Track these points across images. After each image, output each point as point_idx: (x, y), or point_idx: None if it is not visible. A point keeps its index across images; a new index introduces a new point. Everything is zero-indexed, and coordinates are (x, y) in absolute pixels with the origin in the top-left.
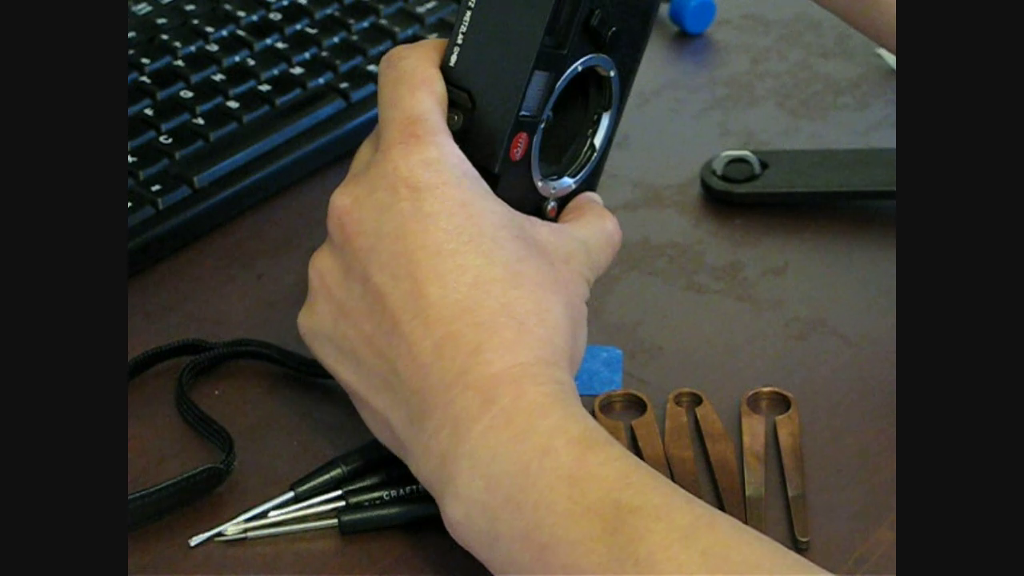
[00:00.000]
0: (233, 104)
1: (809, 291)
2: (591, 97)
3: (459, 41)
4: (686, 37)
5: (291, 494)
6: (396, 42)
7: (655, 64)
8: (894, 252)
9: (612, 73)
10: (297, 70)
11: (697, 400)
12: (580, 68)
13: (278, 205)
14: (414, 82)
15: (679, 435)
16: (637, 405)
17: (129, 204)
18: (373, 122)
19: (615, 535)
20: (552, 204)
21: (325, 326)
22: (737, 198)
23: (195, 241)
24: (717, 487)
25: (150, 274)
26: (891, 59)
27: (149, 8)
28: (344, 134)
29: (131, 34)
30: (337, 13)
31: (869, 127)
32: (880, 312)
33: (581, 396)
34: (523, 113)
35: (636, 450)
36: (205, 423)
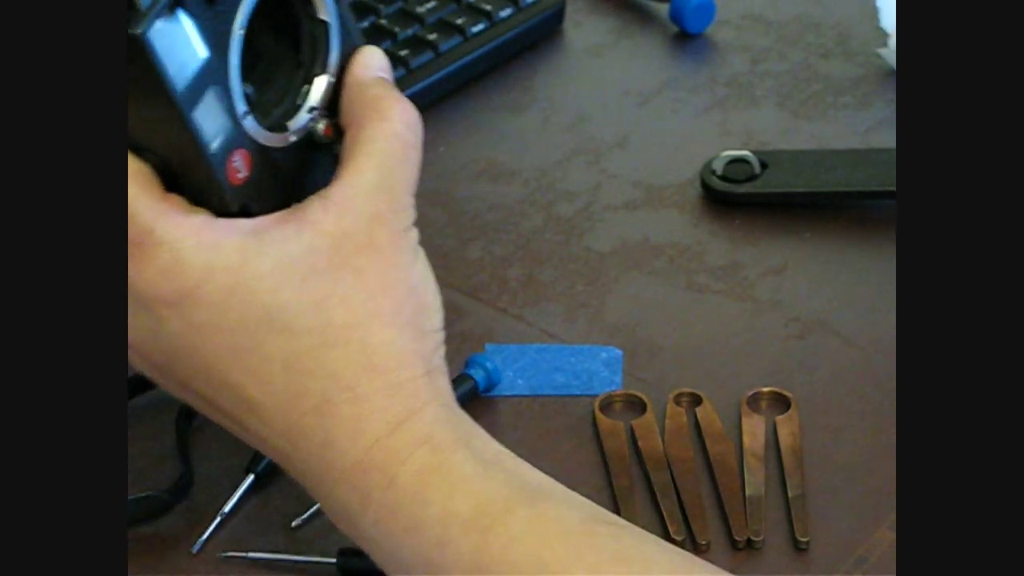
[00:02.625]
0: None
1: (809, 291)
2: None
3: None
4: (686, 37)
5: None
6: (396, 42)
7: (655, 64)
8: (894, 252)
9: None
10: None
11: (697, 400)
12: (241, 31)
13: None
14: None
15: (679, 435)
16: (637, 405)
17: None
18: None
19: None
20: (321, 124)
21: (203, 414)
22: (737, 198)
23: None
24: (717, 487)
25: None
26: (891, 59)
27: None
28: None
29: None
30: None
31: (869, 127)
32: (880, 312)
33: (581, 396)
34: (215, 147)
35: (636, 450)
36: (183, 453)
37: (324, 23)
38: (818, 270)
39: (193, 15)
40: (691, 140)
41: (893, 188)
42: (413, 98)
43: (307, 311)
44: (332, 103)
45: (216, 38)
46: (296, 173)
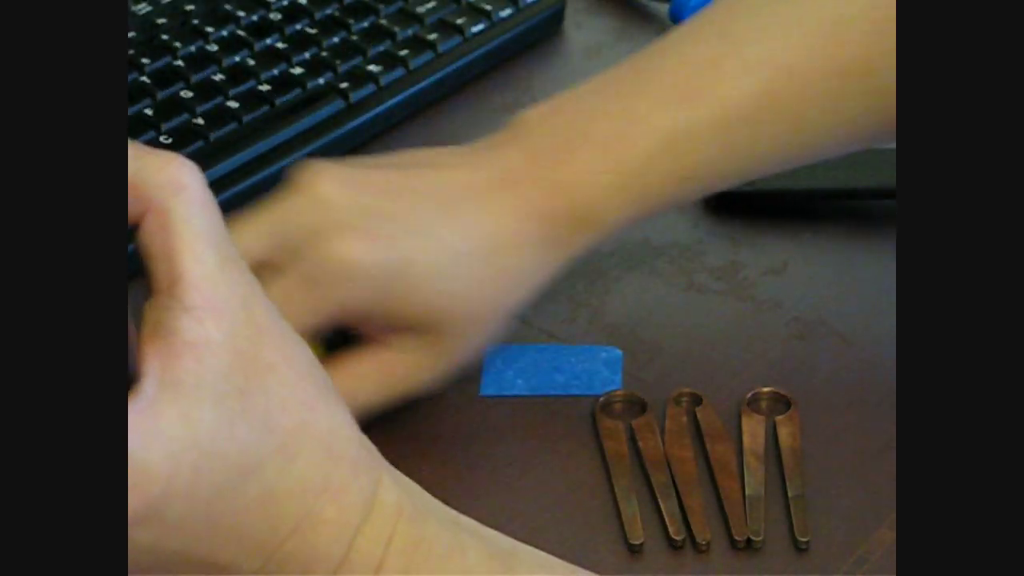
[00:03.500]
0: (233, 104)
1: (809, 291)
2: None
3: None
4: None
5: None
6: (396, 42)
7: None
8: (894, 252)
9: None
10: (297, 70)
11: (697, 400)
12: None
13: None
14: None
15: (679, 435)
16: (637, 405)
17: None
18: (373, 122)
19: None
20: None
21: None
22: (737, 198)
23: None
24: (717, 487)
25: None
26: None
27: (149, 8)
28: (344, 134)
29: (131, 34)
30: (337, 13)
31: None
32: (880, 312)
33: (581, 396)
34: None
35: (636, 450)
36: None
37: None
38: (818, 270)
39: None
40: None
41: (893, 188)
42: (413, 98)
43: (262, 436)
44: None
45: None
46: None
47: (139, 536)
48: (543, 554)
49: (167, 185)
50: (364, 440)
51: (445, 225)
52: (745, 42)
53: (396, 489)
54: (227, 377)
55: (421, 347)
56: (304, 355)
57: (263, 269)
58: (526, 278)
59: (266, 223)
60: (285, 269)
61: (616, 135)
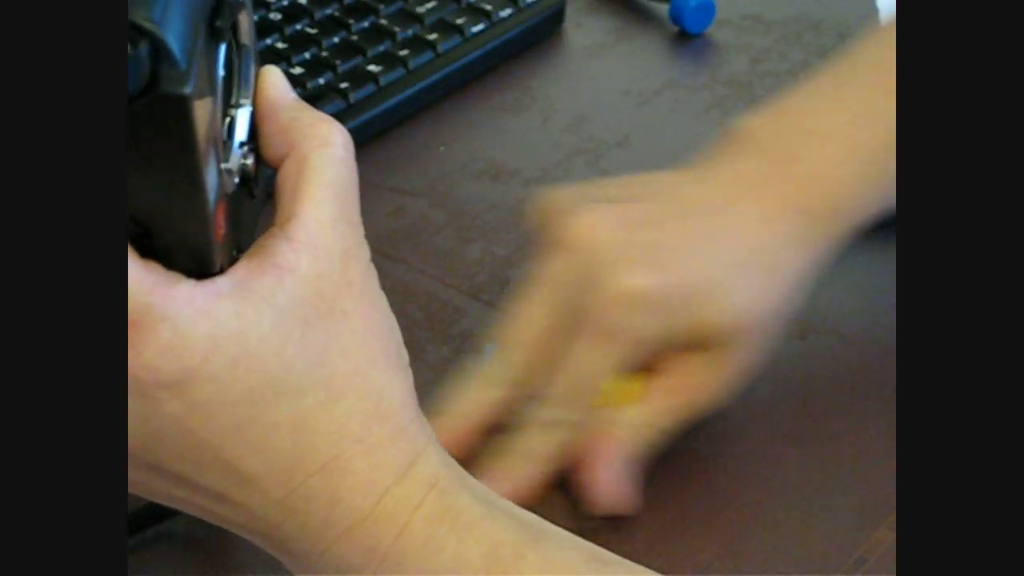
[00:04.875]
0: None
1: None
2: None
3: None
4: (686, 37)
5: None
6: (396, 42)
7: (655, 64)
8: (894, 252)
9: None
10: (297, 70)
11: None
12: (222, 72)
13: None
14: None
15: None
16: None
17: None
18: (373, 122)
19: None
20: (250, 160)
21: (157, 499)
22: None
23: None
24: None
25: None
26: None
27: None
28: None
29: None
30: (337, 13)
31: None
32: (880, 312)
33: None
34: (212, 205)
35: None
36: None
37: (244, 47)
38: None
39: (207, 63)
40: (691, 140)
41: None
42: (413, 98)
43: (311, 367)
44: (251, 133)
45: (212, 82)
46: (236, 219)
47: (167, 405)
48: (571, 535)
49: (314, 138)
50: (419, 415)
51: (712, 242)
52: None
53: (436, 463)
54: (298, 305)
55: (710, 366)
56: (384, 324)
57: (556, 336)
58: (798, 279)
59: (546, 294)
60: (578, 331)
61: (853, 127)
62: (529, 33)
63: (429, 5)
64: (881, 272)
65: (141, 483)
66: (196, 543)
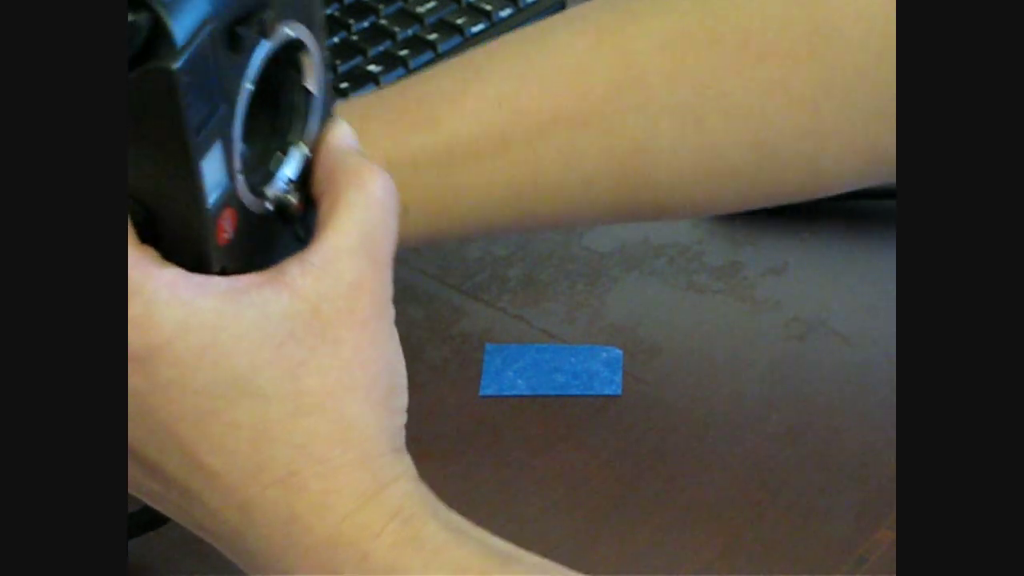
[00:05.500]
0: None
1: (809, 291)
2: (281, 57)
3: None
4: None
5: None
6: (396, 42)
7: None
8: (894, 252)
9: (291, 32)
10: None
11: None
12: (251, 86)
13: None
14: None
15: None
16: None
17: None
18: None
19: None
20: (294, 197)
21: (139, 492)
22: None
23: None
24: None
25: None
26: None
27: None
28: None
29: None
30: (337, 13)
31: None
32: (880, 312)
33: (581, 396)
34: (212, 201)
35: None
36: None
37: (309, 92)
38: (818, 270)
39: (219, 62)
40: None
41: (893, 188)
42: None
43: (281, 377)
44: (303, 176)
45: (229, 90)
46: (263, 244)
47: (132, 378)
48: (544, 561)
49: (355, 177)
50: (395, 450)
51: None
52: (490, 80)
53: (403, 495)
54: (288, 318)
55: None
56: (380, 361)
57: None
58: None
59: None
60: None
61: None
62: None
63: (429, 5)
64: (881, 272)
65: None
66: (196, 543)
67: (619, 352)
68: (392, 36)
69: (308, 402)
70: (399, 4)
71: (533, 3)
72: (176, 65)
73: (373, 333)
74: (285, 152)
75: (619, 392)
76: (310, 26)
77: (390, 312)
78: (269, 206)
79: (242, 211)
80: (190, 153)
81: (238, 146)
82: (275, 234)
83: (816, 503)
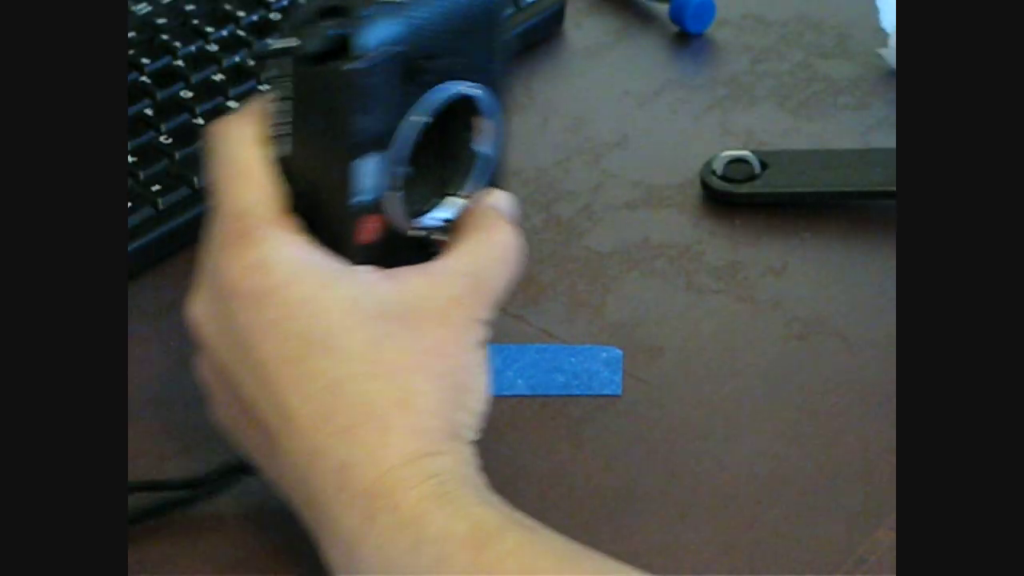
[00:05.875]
0: (233, 104)
1: (809, 291)
2: (459, 112)
3: (279, 132)
4: (686, 37)
5: None
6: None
7: (655, 64)
8: (894, 252)
9: (470, 91)
10: None
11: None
12: (426, 119)
13: None
14: (233, 171)
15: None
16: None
17: (129, 204)
18: None
19: None
20: (440, 236)
21: (225, 421)
22: (737, 198)
23: (195, 241)
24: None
25: (150, 274)
26: (891, 59)
27: (149, 8)
28: None
29: (131, 34)
30: None
31: (869, 127)
32: (880, 312)
33: (581, 396)
34: (358, 200)
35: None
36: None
37: (476, 154)
38: (818, 270)
39: (393, 85)
40: (691, 140)
41: (893, 188)
42: None
43: (364, 342)
44: (454, 222)
45: (398, 114)
46: (396, 259)
47: (240, 315)
48: (533, 537)
49: (488, 227)
50: (455, 437)
51: None
52: None
53: (448, 469)
54: (384, 301)
55: None
56: (458, 361)
57: None
58: None
59: None
60: None
61: None
62: (529, 33)
63: None
64: (881, 272)
65: (219, 400)
66: (196, 543)
67: (619, 352)
68: None
69: (381, 369)
70: None
71: (533, 3)
72: (350, 67)
73: (458, 339)
74: (449, 197)
75: (619, 392)
76: (494, 96)
77: (482, 334)
78: (417, 233)
79: (388, 225)
80: (345, 150)
81: (398, 168)
82: (410, 255)
83: (816, 503)
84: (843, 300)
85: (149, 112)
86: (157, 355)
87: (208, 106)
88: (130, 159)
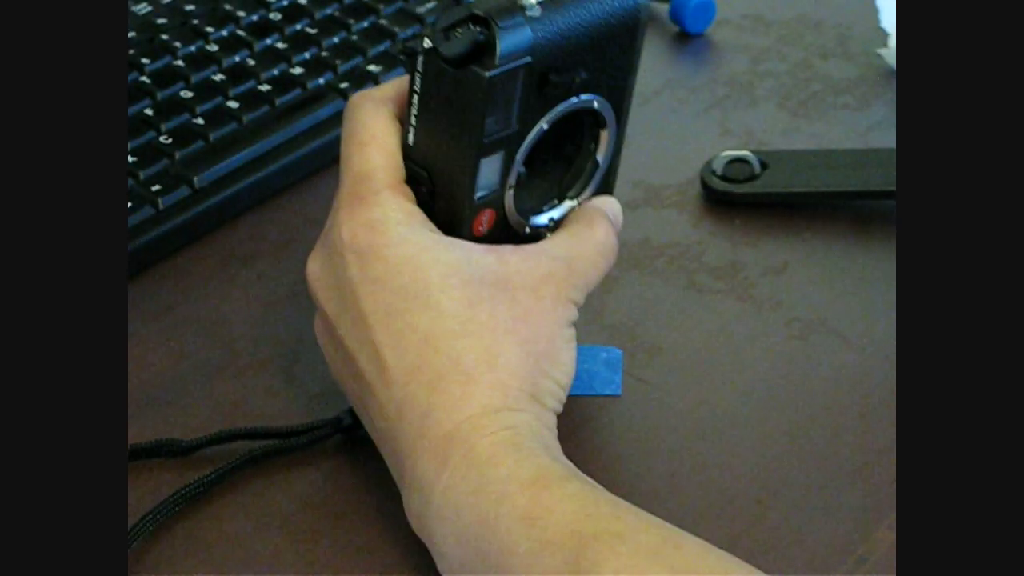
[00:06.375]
0: (233, 104)
1: (809, 291)
2: (585, 122)
3: (412, 122)
4: (686, 37)
5: None
6: (396, 42)
7: (655, 64)
8: (894, 252)
9: (596, 105)
10: (297, 70)
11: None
12: (546, 126)
13: (278, 205)
14: (363, 138)
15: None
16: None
17: (129, 204)
18: None
19: (578, 563)
20: (549, 233)
21: (336, 377)
22: (737, 198)
23: (195, 241)
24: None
25: (150, 274)
26: (891, 59)
27: (149, 8)
28: None
29: (131, 34)
30: (337, 13)
31: (869, 127)
32: (880, 312)
33: (581, 396)
34: (479, 195)
35: None
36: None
37: (597, 163)
38: (818, 270)
39: (525, 92)
40: (691, 140)
41: (893, 188)
42: None
43: (459, 301)
44: (560, 221)
45: (526, 119)
46: None
47: (351, 268)
48: (591, 487)
49: (589, 221)
50: (534, 399)
51: None
52: None
53: (524, 422)
54: (482, 268)
55: None
56: (543, 332)
57: None
58: None
59: None
60: None
61: None
62: None
63: (429, 5)
64: (881, 272)
65: (330, 356)
66: (196, 543)
67: (619, 352)
68: (392, 36)
69: (472, 328)
70: (399, 4)
71: None
72: (490, 74)
73: (547, 312)
74: (560, 201)
75: (619, 392)
76: (617, 112)
77: (571, 314)
78: (527, 230)
79: (501, 218)
80: (475, 148)
81: (518, 168)
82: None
83: (816, 503)
84: (843, 300)
85: (149, 112)
86: (157, 355)
87: (208, 106)
88: (130, 159)
